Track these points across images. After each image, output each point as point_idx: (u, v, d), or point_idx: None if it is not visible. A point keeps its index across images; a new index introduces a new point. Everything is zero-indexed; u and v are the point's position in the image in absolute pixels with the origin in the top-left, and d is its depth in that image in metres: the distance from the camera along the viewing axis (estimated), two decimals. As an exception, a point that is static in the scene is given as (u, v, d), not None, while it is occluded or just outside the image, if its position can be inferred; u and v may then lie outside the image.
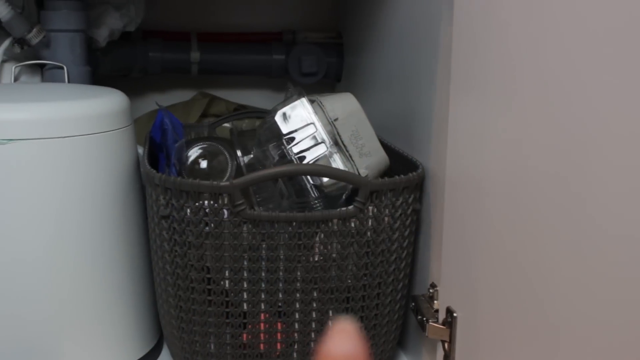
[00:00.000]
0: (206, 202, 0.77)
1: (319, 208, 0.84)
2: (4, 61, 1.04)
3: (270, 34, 1.33)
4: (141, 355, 0.88)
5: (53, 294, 0.80)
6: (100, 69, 1.15)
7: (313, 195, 0.86)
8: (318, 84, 1.31)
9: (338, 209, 0.78)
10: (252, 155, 0.96)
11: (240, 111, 1.24)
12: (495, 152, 0.62)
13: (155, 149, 0.96)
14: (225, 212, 0.77)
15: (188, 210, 0.77)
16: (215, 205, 0.76)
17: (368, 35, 1.14)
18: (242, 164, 0.96)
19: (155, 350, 0.91)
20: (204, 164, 0.95)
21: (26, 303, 0.79)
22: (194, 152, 0.95)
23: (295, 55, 1.27)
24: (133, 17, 1.16)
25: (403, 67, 0.94)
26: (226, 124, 1.21)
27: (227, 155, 0.96)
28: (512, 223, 0.60)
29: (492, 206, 0.63)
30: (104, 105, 0.83)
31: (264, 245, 0.78)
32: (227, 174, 0.95)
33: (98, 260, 0.82)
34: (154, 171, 0.78)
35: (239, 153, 0.96)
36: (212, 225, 0.77)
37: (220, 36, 1.30)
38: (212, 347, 0.82)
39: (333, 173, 0.78)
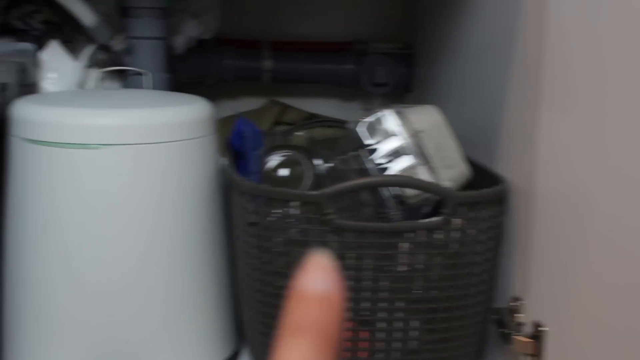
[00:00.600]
0: (294, 209, 0.77)
1: (398, 219, 0.84)
2: (89, 67, 1.06)
3: (340, 43, 1.34)
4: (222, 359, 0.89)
5: (144, 294, 0.81)
6: (177, 76, 1.17)
7: (393, 206, 0.86)
8: (386, 95, 1.32)
9: (425, 220, 0.78)
10: (329, 165, 0.97)
11: (313, 120, 1.24)
12: (600, 167, 0.62)
13: (235, 157, 0.97)
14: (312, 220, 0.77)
15: (276, 218, 0.78)
16: (304, 213, 0.77)
17: (442, 46, 1.15)
18: (320, 173, 0.96)
19: (235, 356, 0.92)
20: (283, 172, 0.96)
21: (117, 304, 0.80)
22: (273, 160, 0.96)
23: (367, 66, 1.28)
24: (209, 25, 1.17)
25: (482, 79, 0.94)
26: (298, 133, 1.22)
27: (306, 164, 0.96)
28: (618, 239, 0.60)
29: (598, 221, 0.63)
30: (193, 112, 0.84)
31: (351, 255, 0.79)
32: (305, 183, 0.96)
33: (186, 264, 0.83)
34: (243, 179, 0.79)
35: (317, 162, 0.96)
36: (301, 233, 0.77)
37: (291, 45, 1.31)
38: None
39: (421, 185, 0.78)
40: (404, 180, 0.79)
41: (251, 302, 0.82)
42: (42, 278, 0.81)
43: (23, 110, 0.82)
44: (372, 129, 0.86)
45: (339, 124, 1.23)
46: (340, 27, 1.35)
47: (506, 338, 0.80)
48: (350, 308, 0.80)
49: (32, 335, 0.82)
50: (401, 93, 1.36)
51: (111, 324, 0.81)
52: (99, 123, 0.78)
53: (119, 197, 0.79)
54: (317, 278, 0.26)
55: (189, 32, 1.14)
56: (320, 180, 0.96)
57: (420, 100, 1.22)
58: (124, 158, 0.78)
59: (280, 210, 0.77)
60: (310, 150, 0.98)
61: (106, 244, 0.79)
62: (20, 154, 0.81)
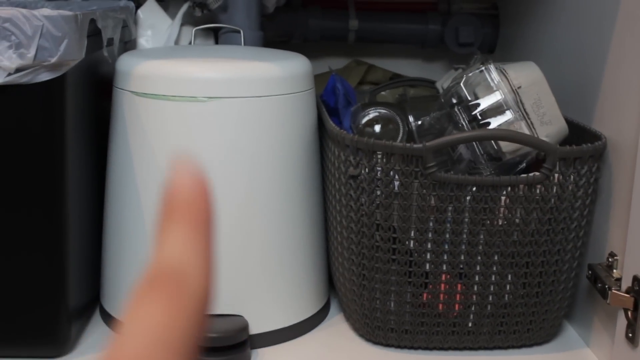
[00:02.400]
0: (395, 162, 0.79)
1: (489, 175, 0.85)
2: (182, 24, 1.08)
3: (425, 3, 1.34)
4: (314, 312, 0.91)
5: (244, 245, 0.83)
6: (266, 34, 1.19)
7: (483, 162, 0.87)
8: (470, 55, 1.32)
9: (525, 175, 0.79)
10: (422, 122, 0.98)
11: (397, 79, 1.25)
12: None
13: (329, 113, 0.98)
14: (414, 173, 0.79)
15: (379, 171, 0.79)
16: (405, 166, 0.78)
17: (531, 5, 1.14)
18: (413, 129, 0.98)
19: (325, 309, 0.94)
20: (377, 128, 0.97)
21: (217, 253, 0.83)
22: (367, 116, 0.98)
23: (452, 25, 1.28)
24: (298, -16, 1.18)
25: (580, 36, 0.94)
26: (383, 92, 1.23)
27: (399, 121, 0.98)
28: None
29: None
30: (296, 67, 0.86)
31: (450, 208, 0.80)
32: (399, 139, 0.97)
33: (285, 216, 0.85)
34: (345, 132, 0.81)
35: (410, 119, 0.98)
36: (402, 186, 0.79)
37: (376, 4, 1.32)
38: (392, 305, 0.84)
39: (524, 139, 0.79)
40: (507, 134, 0.80)
41: (347, 255, 0.84)
42: (144, 229, 0.84)
43: (130, 64, 0.84)
44: (471, 84, 0.86)
45: (424, 83, 1.24)
46: (424, -13, 1.35)
47: (603, 293, 0.80)
48: (447, 261, 0.82)
49: (132, 282, 0.85)
50: (485, 53, 1.35)
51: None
52: (208, 76, 0.80)
53: (225, 149, 0.81)
54: (184, 174, 0.29)
55: (280, -10, 1.15)
56: (412, 136, 0.97)
57: (505, 60, 1.22)
58: (231, 111, 0.81)
59: (386, 164, 0.79)
60: (403, 107, 1.00)
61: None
62: (127, 107, 0.84)
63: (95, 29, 0.83)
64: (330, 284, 0.95)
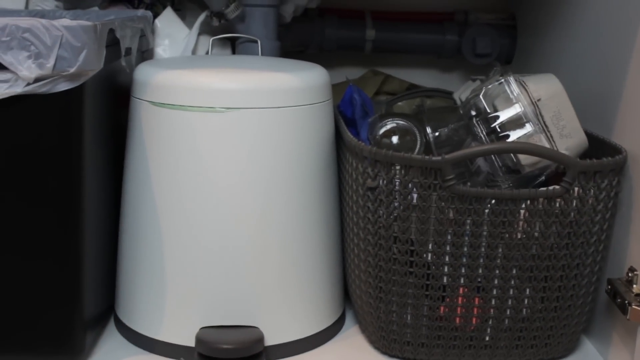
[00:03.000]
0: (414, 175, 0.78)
1: (507, 188, 0.84)
2: (199, 34, 1.08)
3: (442, 14, 1.33)
4: (329, 324, 0.91)
5: (260, 256, 0.83)
6: (282, 44, 1.18)
7: (501, 174, 0.86)
8: (487, 66, 1.31)
9: (545, 188, 0.78)
10: (439, 133, 0.97)
11: (414, 90, 1.25)
12: None
13: (346, 123, 0.98)
14: (433, 186, 0.78)
15: (397, 183, 0.79)
16: (424, 178, 0.78)
17: (550, 16, 1.14)
18: (431, 141, 0.97)
19: (340, 320, 0.94)
20: (394, 139, 0.97)
21: (234, 264, 0.83)
22: (384, 127, 0.97)
23: (470, 36, 1.28)
24: (316, -6, 1.18)
25: (600, 47, 0.94)
26: (399, 103, 1.23)
27: (417, 132, 0.97)
28: None
29: None
30: (314, 78, 0.85)
31: (468, 221, 0.79)
32: (416, 151, 0.97)
33: (302, 227, 0.85)
34: (363, 143, 0.81)
35: (428, 130, 0.97)
36: (420, 198, 0.79)
37: (393, 15, 1.32)
38: (409, 318, 0.83)
39: (544, 152, 0.79)
40: (527, 147, 0.79)
41: (364, 267, 0.84)
42: (160, 239, 0.84)
43: (148, 74, 0.84)
44: (491, 96, 0.86)
45: (441, 94, 1.24)
46: (442, -2, 1.35)
47: (622, 308, 0.80)
48: (465, 274, 0.81)
49: (148, 292, 0.85)
50: (502, 64, 1.35)
51: (227, 284, 0.83)
52: (226, 87, 0.80)
53: (243, 159, 0.81)
54: None
55: (297, 1, 1.15)
56: (430, 148, 0.97)
57: (523, 71, 1.21)
58: (249, 121, 0.80)
59: (404, 176, 0.78)
60: (420, 118, 0.99)
61: (226, 205, 0.82)
62: (144, 116, 0.84)
63: (113, 39, 0.83)
64: (346, 296, 0.95)
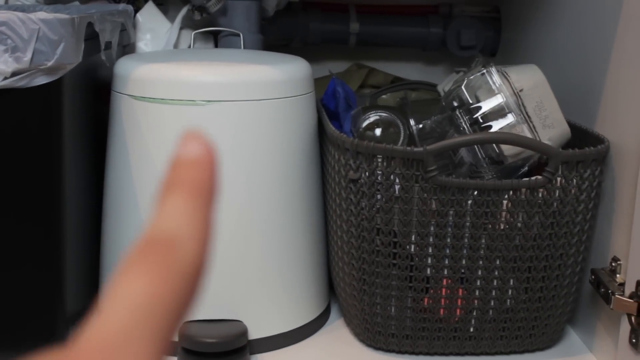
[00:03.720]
0: (395, 166, 0.78)
1: (491, 179, 0.84)
2: (181, 28, 1.07)
3: (426, 6, 1.33)
4: (313, 317, 0.90)
5: (243, 249, 0.83)
6: (266, 38, 1.18)
7: (484, 165, 0.86)
8: (471, 59, 1.31)
9: (527, 179, 0.78)
10: (422, 125, 0.97)
11: (399, 83, 1.25)
12: None
13: (329, 116, 0.98)
14: (415, 177, 0.78)
15: (379, 175, 0.79)
16: (406, 170, 0.78)
17: (533, 8, 1.13)
18: (414, 133, 0.97)
19: (325, 314, 0.93)
20: (378, 131, 0.97)
21: (216, 257, 0.82)
22: (367, 120, 0.97)
23: (454, 28, 1.27)
24: (299, -13, 1.18)
25: (582, 39, 0.94)
26: (384, 95, 1.22)
27: (400, 124, 0.97)
28: None
29: None
30: (295, 70, 0.85)
31: (451, 212, 0.79)
32: (400, 143, 0.96)
33: (285, 220, 0.85)
34: (345, 135, 0.80)
35: (411, 122, 0.97)
36: (403, 190, 0.78)
37: (377, 8, 1.31)
38: (393, 310, 0.83)
39: (526, 142, 0.78)
40: (509, 137, 0.79)
41: (348, 259, 0.84)
42: (142, 233, 0.83)
43: (128, 68, 0.83)
44: (473, 87, 0.86)
45: (425, 86, 1.23)
46: (425, -10, 1.34)
47: (606, 298, 0.79)
48: (449, 265, 0.81)
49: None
50: (486, 56, 1.34)
51: (209, 278, 0.82)
52: (206, 80, 0.80)
53: (224, 152, 0.80)
54: (192, 145, 0.28)
55: (280, -7, 1.14)
56: (413, 140, 0.97)
57: (506, 63, 1.21)
58: (230, 114, 0.80)
59: (386, 168, 0.78)
60: (404, 111, 0.99)
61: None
62: (125, 111, 0.83)
63: (92, 33, 0.82)
64: (331, 289, 0.95)
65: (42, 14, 0.71)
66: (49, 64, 0.72)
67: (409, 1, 1.33)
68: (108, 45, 0.89)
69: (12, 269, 0.77)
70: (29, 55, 0.71)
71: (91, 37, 0.81)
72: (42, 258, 0.78)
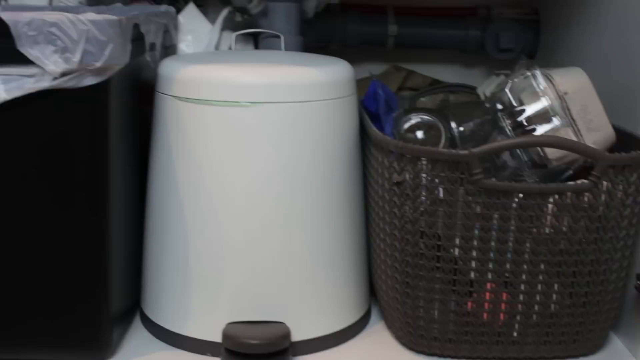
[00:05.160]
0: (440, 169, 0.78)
1: (534, 182, 0.84)
2: (221, 29, 1.08)
3: (464, 9, 1.32)
4: (355, 320, 0.90)
5: (286, 252, 0.83)
6: (305, 39, 1.18)
7: (527, 169, 0.86)
8: (510, 61, 1.30)
9: (573, 182, 0.78)
10: (464, 128, 0.97)
11: (438, 85, 1.24)
12: None
13: (370, 119, 0.98)
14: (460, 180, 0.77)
15: (423, 177, 0.78)
16: (451, 173, 0.77)
17: (574, 10, 1.13)
18: (455, 135, 0.96)
19: (366, 316, 0.93)
20: (419, 134, 0.96)
21: (260, 260, 0.82)
22: (409, 122, 0.96)
23: (493, 31, 1.27)
24: (338, -11, 1.18)
25: (627, 42, 0.93)
26: (423, 98, 1.22)
27: (442, 127, 0.96)
28: None
29: None
30: (339, 72, 0.85)
31: (496, 215, 0.79)
32: (441, 145, 0.96)
33: (328, 223, 0.84)
34: (390, 138, 0.80)
35: (452, 125, 0.96)
36: (447, 192, 0.78)
37: (415, 10, 1.31)
38: (436, 313, 0.83)
39: (573, 146, 0.78)
40: (555, 140, 0.78)
41: (390, 262, 0.83)
42: (186, 234, 0.83)
43: (173, 69, 0.84)
44: (517, 90, 0.85)
45: (464, 89, 1.23)
46: (464, -7, 1.34)
47: (652, 303, 0.79)
48: (493, 269, 0.80)
49: (174, 288, 0.85)
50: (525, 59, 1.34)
51: (253, 279, 0.83)
52: (251, 81, 0.80)
53: (268, 154, 0.81)
54: None
55: (320, -4, 1.14)
56: (454, 143, 0.96)
57: (546, 66, 1.20)
58: (274, 116, 0.80)
59: (431, 170, 0.78)
60: (445, 113, 0.98)
61: (252, 200, 0.81)
62: (170, 111, 0.84)
63: (138, 34, 0.83)
64: (370, 292, 0.94)
65: (91, 15, 0.72)
66: (98, 64, 0.72)
67: (447, 3, 1.33)
68: (152, 46, 0.90)
69: (57, 267, 0.78)
70: (78, 56, 0.72)
71: (137, 38, 0.82)
72: (87, 256, 0.78)
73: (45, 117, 0.74)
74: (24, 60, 0.72)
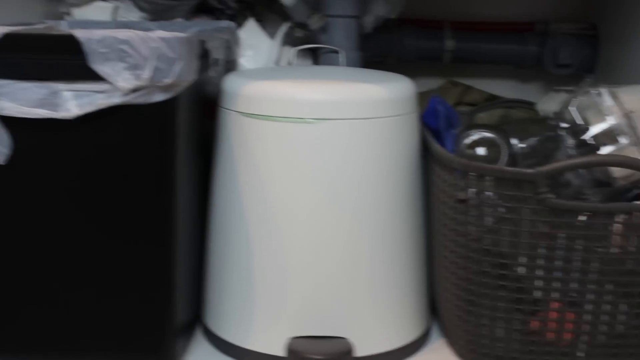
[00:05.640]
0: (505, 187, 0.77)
1: (598, 201, 0.83)
2: (282, 45, 1.08)
3: (521, 24, 1.32)
4: (416, 336, 0.90)
5: (349, 267, 0.83)
6: (362, 54, 1.18)
7: (591, 188, 0.85)
8: (567, 77, 1.29)
9: (642, 202, 0.77)
10: (525, 145, 0.96)
11: (496, 101, 1.24)
12: None
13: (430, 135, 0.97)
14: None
15: (489, 195, 0.78)
16: (516, 191, 0.77)
17: (636, 27, 1.11)
18: (516, 152, 0.96)
19: (426, 333, 0.92)
20: (480, 150, 0.96)
21: (323, 274, 0.83)
22: (470, 139, 0.96)
23: (551, 46, 1.26)
24: (396, 4, 1.18)
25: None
26: (480, 114, 1.22)
27: (502, 144, 0.96)
28: None
29: None
30: (402, 89, 0.85)
31: (561, 234, 0.78)
32: (501, 162, 0.95)
33: (390, 240, 0.84)
34: (454, 155, 0.80)
35: (514, 141, 0.96)
36: (512, 211, 0.77)
37: (472, 25, 1.31)
38: (500, 332, 0.82)
39: (641, 165, 0.77)
40: (625, 160, 0.77)
41: (453, 280, 0.83)
42: (249, 248, 0.84)
43: (237, 85, 0.84)
44: (582, 108, 0.84)
45: (522, 104, 1.22)
46: (521, 7, 1.33)
47: None
48: (558, 288, 0.80)
49: (237, 301, 0.86)
50: (580, 75, 1.33)
51: (317, 294, 0.83)
52: (317, 98, 0.80)
53: (332, 170, 0.81)
54: None
55: (378, 10, 1.14)
56: (514, 160, 0.96)
57: (605, 82, 1.19)
58: (338, 133, 0.80)
59: (496, 188, 0.77)
60: (505, 129, 0.98)
61: (316, 215, 0.81)
62: (233, 127, 0.84)
63: (204, 50, 0.83)
64: (431, 308, 0.94)
65: (161, 33, 0.73)
66: (167, 81, 0.73)
67: (504, 18, 1.32)
68: (216, 62, 0.91)
69: (125, 279, 0.79)
70: (148, 72, 0.73)
71: (203, 54, 0.83)
72: (155, 268, 0.79)
73: (115, 132, 0.75)
74: (95, 77, 0.73)
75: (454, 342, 0.89)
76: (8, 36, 0.74)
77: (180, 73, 0.74)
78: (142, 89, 0.73)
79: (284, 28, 1.08)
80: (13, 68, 0.74)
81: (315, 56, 1.12)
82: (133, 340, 0.81)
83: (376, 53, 1.26)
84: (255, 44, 1.08)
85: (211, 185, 0.90)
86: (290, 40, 1.12)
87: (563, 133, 0.87)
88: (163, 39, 0.73)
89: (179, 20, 1.09)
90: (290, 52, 1.06)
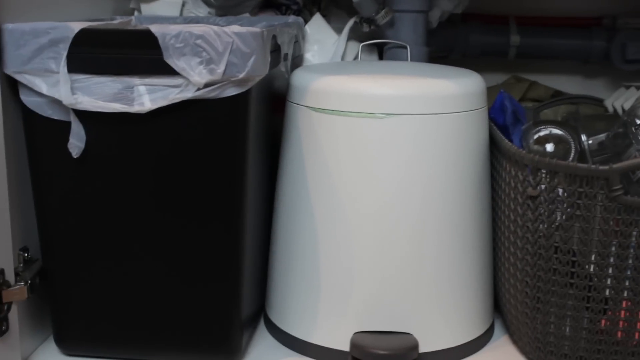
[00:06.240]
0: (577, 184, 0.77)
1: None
2: (347, 40, 1.09)
3: (589, 18, 1.30)
4: (480, 333, 0.89)
5: (415, 263, 0.83)
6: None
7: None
8: (635, 73, 1.27)
9: None
10: (594, 142, 0.95)
11: (562, 97, 1.23)
12: None
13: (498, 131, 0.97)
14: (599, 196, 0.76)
15: (560, 192, 0.77)
16: (589, 188, 0.76)
17: None
18: (585, 149, 0.95)
19: (490, 330, 0.92)
20: (548, 146, 0.95)
21: (389, 270, 0.83)
22: (538, 135, 0.95)
23: (620, 41, 1.24)
24: (462, -1, 1.18)
25: None
26: (545, 110, 1.21)
27: (571, 140, 0.95)
28: None
29: None
30: (472, 85, 0.85)
31: (634, 232, 0.77)
32: (570, 159, 0.95)
33: (455, 235, 0.84)
34: (524, 152, 0.79)
35: (583, 138, 0.95)
36: (584, 208, 0.77)
37: (538, 20, 1.30)
38: (567, 330, 0.82)
39: None
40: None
41: (520, 277, 0.83)
42: (315, 243, 0.85)
43: (306, 80, 0.85)
44: (655, 105, 0.83)
45: (589, 100, 1.21)
46: (588, 2, 1.32)
47: None
48: (629, 287, 0.79)
49: (302, 295, 0.86)
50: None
51: (382, 289, 0.83)
52: (387, 93, 0.80)
53: (401, 166, 0.81)
54: None
55: (444, 5, 1.14)
56: (583, 156, 0.95)
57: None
58: (408, 128, 0.80)
59: (568, 185, 0.76)
60: (574, 125, 0.97)
61: (383, 211, 0.82)
62: (302, 121, 0.85)
63: (275, 45, 0.84)
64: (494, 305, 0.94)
65: (235, 28, 0.74)
66: (240, 76, 0.74)
67: (570, 13, 1.31)
68: (285, 56, 0.91)
69: (194, 273, 0.80)
70: (222, 67, 0.74)
71: (274, 49, 0.83)
72: (223, 261, 0.80)
73: (187, 126, 0.77)
74: (169, 72, 0.74)
75: (518, 339, 0.88)
76: (84, 31, 0.75)
77: (254, 68, 0.74)
78: (216, 84, 0.74)
79: (350, 23, 1.08)
80: (89, 63, 0.76)
81: (380, 51, 1.12)
82: (201, 333, 0.82)
83: (441, 48, 1.26)
84: (321, 39, 1.09)
85: (278, 179, 0.90)
86: (355, 35, 1.12)
87: (634, 130, 0.86)
88: (237, 34, 0.73)
89: (246, 15, 1.10)
90: (356, 47, 1.06)
